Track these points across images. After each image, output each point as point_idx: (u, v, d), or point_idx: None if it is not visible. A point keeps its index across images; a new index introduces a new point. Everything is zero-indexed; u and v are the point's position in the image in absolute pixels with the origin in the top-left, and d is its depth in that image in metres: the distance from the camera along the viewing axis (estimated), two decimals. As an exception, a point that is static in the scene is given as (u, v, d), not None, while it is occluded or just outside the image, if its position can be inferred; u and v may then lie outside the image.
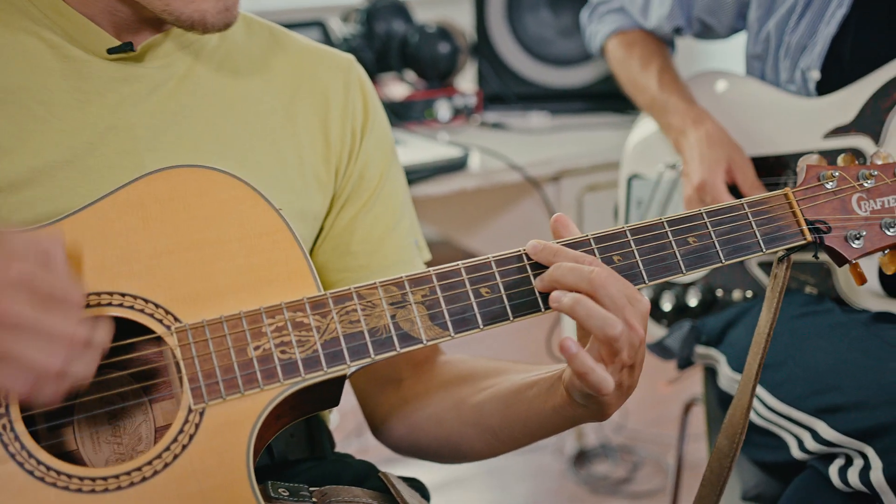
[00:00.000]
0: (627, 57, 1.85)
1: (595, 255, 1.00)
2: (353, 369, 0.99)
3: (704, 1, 1.74)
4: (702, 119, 1.65)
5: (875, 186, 1.10)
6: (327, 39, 2.33)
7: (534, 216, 2.23)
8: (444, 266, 1.00)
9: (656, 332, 1.75)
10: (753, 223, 1.06)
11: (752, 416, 1.46)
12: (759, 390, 1.45)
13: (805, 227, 1.06)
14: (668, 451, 2.65)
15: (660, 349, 1.70)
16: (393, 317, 0.98)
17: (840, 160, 1.13)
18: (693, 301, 1.69)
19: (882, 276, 1.47)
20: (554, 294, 0.96)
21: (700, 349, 1.66)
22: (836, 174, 1.09)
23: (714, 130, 1.63)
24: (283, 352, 0.95)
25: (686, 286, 1.71)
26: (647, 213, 1.78)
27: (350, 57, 1.23)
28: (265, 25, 1.21)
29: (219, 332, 0.95)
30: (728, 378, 1.57)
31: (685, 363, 1.69)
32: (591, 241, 1.00)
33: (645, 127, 1.82)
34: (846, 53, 1.54)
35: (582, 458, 2.71)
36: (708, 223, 1.05)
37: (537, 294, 0.99)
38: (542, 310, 0.99)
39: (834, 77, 1.55)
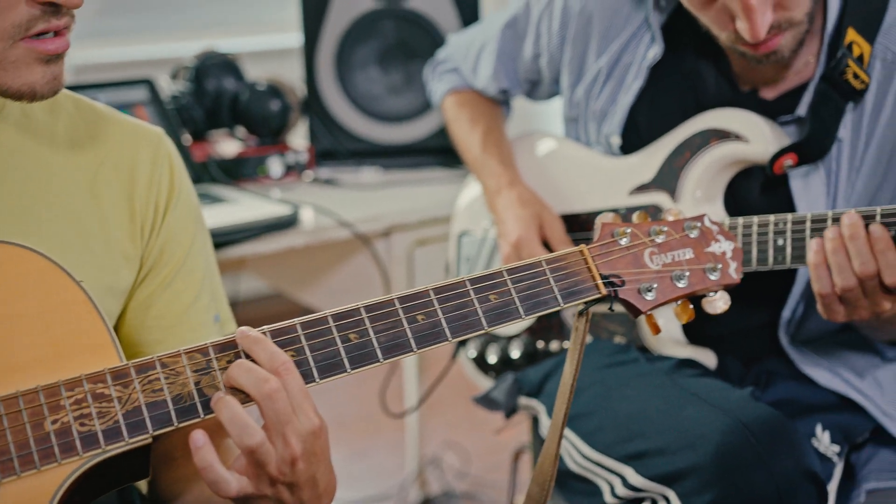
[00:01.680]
0: (458, 116, 1.91)
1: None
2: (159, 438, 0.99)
3: (525, 64, 1.82)
4: (515, 182, 1.72)
5: (666, 241, 1.16)
6: (155, 97, 2.31)
7: (366, 270, 2.25)
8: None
9: (484, 384, 1.80)
10: (551, 279, 1.10)
11: (570, 464, 1.52)
12: (574, 438, 1.51)
13: (600, 282, 1.11)
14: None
15: (486, 401, 1.75)
16: (197, 384, 0.98)
17: (634, 217, 1.19)
18: (516, 353, 1.74)
19: (684, 325, 1.55)
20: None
21: (523, 400, 1.70)
22: (629, 231, 1.15)
23: (525, 192, 1.70)
24: (82, 424, 0.94)
25: (510, 339, 1.76)
26: (474, 269, 1.83)
27: (159, 131, 1.24)
28: (71, 98, 1.20)
29: (13, 408, 0.93)
30: (547, 427, 1.62)
31: (511, 412, 1.74)
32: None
33: (476, 186, 1.88)
34: (643, 121, 1.64)
35: (426, 507, 2.73)
36: (508, 280, 1.09)
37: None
38: None
39: (632, 142, 1.65)
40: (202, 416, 0.97)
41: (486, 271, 1.09)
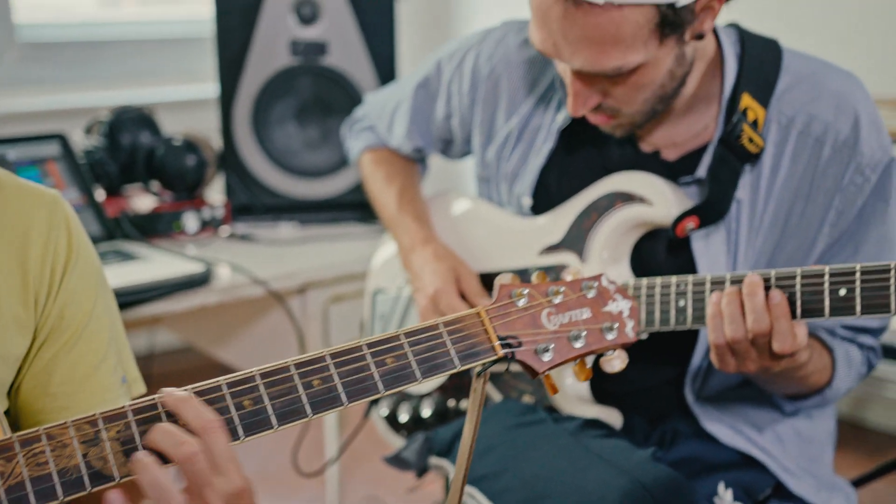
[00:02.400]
0: (374, 174, 1.92)
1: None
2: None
3: (437, 124, 1.84)
4: (430, 240, 1.74)
5: (563, 301, 1.18)
6: (68, 152, 2.28)
7: (281, 327, 2.24)
8: (140, 401, 0.99)
9: (396, 442, 1.79)
10: (449, 341, 1.11)
11: (479, 524, 1.52)
12: (482, 499, 1.51)
13: (496, 343, 1.12)
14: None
15: (397, 461, 1.74)
16: (85, 455, 0.96)
17: (534, 277, 1.20)
18: (427, 412, 1.74)
19: (591, 383, 1.57)
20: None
21: (433, 460, 1.70)
22: (527, 292, 1.16)
23: (441, 249, 1.72)
24: (-39, 501, 0.91)
25: (422, 397, 1.76)
26: (388, 327, 1.83)
27: (55, 194, 1.22)
28: None
29: None
30: (456, 486, 1.61)
31: (423, 472, 1.73)
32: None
33: (391, 245, 1.89)
34: (553, 183, 1.67)
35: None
36: (405, 343, 1.09)
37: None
38: None
39: (543, 203, 1.68)
40: (89, 488, 0.95)
41: (383, 334, 1.09)
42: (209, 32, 2.51)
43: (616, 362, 1.19)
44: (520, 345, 1.14)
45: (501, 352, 1.12)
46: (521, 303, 1.16)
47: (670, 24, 1.36)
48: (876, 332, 1.59)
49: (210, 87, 2.85)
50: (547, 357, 1.14)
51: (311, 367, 1.04)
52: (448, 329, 1.11)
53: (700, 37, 1.43)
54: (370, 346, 1.07)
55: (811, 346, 1.47)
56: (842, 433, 1.70)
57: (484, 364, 1.12)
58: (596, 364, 1.21)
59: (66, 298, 1.18)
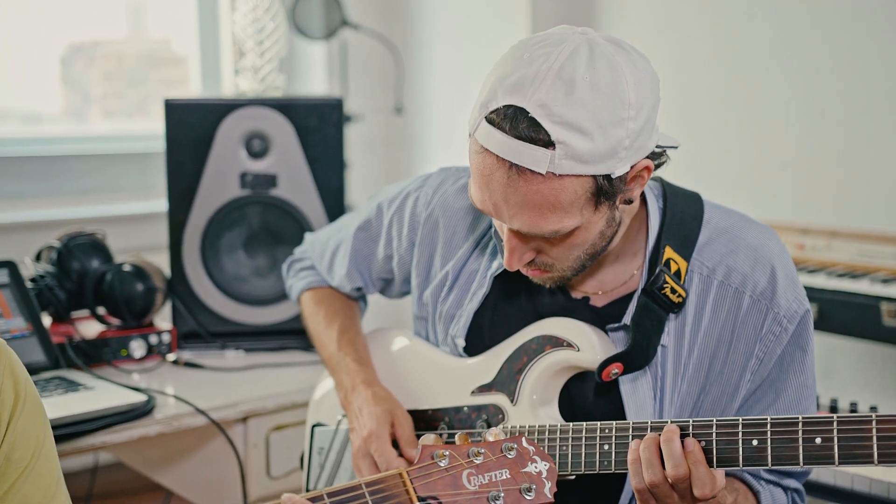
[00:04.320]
0: (315, 313, 1.97)
1: None
2: None
3: (378, 264, 1.90)
4: (371, 382, 1.78)
5: (483, 462, 1.23)
6: (16, 280, 2.31)
7: (223, 454, 2.25)
8: None
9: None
10: (370, 502, 1.15)
11: None
12: None
13: (416, 505, 1.17)
14: None
15: None
16: None
17: (457, 438, 1.25)
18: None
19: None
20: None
21: None
22: (448, 453, 1.21)
23: (380, 391, 1.76)
24: None
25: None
26: (326, 461, 1.86)
27: None
28: None
29: None
30: None
31: None
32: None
33: (331, 379, 1.93)
34: (486, 325, 1.73)
35: None
36: (328, 505, 1.13)
37: None
38: None
39: (477, 344, 1.73)
40: None
41: (309, 493, 1.13)
42: (161, 147, 2.57)
43: (530, 521, 1.23)
44: (439, 506, 1.18)
45: (421, 513, 1.16)
46: (443, 463, 1.20)
47: (605, 193, 1.45)
48: (800, 475, 1.65)
49: (163, 202, 2.90)
50: (466, 518, 1.18)
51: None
52: (370, 489, 1.15)
53: (629, 202, 1.52)
54: (293, 509, 1.11)
55: (737, 489, 1.51)
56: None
57: (403, 525, 1.16)
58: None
59: (14, 442, 1.21)
